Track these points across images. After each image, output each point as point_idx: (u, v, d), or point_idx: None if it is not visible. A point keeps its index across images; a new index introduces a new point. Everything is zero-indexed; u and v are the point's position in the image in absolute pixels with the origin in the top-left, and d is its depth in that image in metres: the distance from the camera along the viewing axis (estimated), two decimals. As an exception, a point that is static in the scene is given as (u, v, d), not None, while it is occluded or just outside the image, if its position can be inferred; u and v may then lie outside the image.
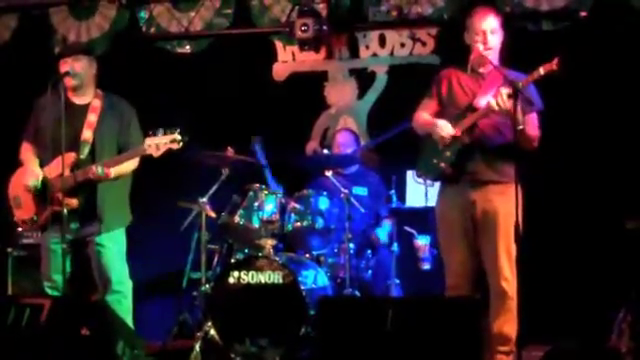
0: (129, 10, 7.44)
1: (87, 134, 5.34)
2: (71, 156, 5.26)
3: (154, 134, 5.19)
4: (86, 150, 5.33)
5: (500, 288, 4.92)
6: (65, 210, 5.10)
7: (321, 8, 7.03)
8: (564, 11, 6.48)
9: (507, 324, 4.88)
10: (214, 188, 6.24)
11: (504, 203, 4.89)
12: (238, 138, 6.56)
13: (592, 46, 6.30)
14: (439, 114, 5.14)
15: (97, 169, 5.22)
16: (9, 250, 6.64)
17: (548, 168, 6.13)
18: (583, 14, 6.41)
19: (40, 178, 5.31)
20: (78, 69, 5.36)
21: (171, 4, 7.41)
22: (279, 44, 7.37)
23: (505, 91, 4.75)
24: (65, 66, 5.35)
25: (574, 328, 5.85)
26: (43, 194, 5.28)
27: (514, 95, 4.64)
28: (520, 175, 4.66)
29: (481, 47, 5.00)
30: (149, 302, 5.62)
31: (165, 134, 5.17)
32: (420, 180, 5.42)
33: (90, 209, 5.33)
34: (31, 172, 5.37)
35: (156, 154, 5.19)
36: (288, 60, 7.40)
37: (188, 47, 7.46)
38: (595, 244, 6.22)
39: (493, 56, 5.03)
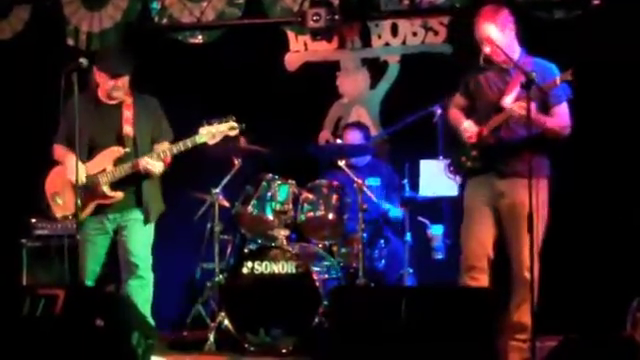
0: (141, 1, 7.46)
1: (128, 129, 5.44)
2: (119, 150, 5.38)
3: (209, 123, 5.41)
4: (130, 144, 5.43)
5: (524, 278, 4.95)
6: (110, 202, 5.35)
7: (333, -2, 7.03)
8: (577, -1, 6.47)
9: (527, 314, 4.88)
10: (227, 178, 6.26)
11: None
12: (250, 128, 6.55)
13: (605, 35, 6.26)
14: (469, 108, 5.26)
15: (160, 154, 5.37)
16: (23, 241, 6.66)
17: (566, 162, 6.11)
18: (596, 2, 6.39)
19: (85, 173, 5.35)
20: (121, 85, 5.44)
21: (183, -6, 7.43)
22: (291, 34, 7.37)
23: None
24: (111, 82, 5.39)
25: (588, 318, 5.84)
26: (87, 189, 5.31)
27: (527, 86, 4.64)
28: (548, 169, 4.85)
29: (488, 49, 5.08)
30: (163, 293, 5.62)
31: (221, 122, 5.42)
32: (451, 175, 5.42)
33: (133, 200, 5.44)
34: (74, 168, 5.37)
35: (212, 142, 5.43)
36: (300, 50, 7.39)
37: (200, 37, 7.47)
38: (608, 234, 6.20)
39: (503, 53, 5.00)
